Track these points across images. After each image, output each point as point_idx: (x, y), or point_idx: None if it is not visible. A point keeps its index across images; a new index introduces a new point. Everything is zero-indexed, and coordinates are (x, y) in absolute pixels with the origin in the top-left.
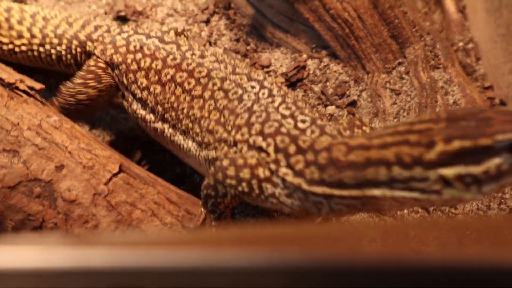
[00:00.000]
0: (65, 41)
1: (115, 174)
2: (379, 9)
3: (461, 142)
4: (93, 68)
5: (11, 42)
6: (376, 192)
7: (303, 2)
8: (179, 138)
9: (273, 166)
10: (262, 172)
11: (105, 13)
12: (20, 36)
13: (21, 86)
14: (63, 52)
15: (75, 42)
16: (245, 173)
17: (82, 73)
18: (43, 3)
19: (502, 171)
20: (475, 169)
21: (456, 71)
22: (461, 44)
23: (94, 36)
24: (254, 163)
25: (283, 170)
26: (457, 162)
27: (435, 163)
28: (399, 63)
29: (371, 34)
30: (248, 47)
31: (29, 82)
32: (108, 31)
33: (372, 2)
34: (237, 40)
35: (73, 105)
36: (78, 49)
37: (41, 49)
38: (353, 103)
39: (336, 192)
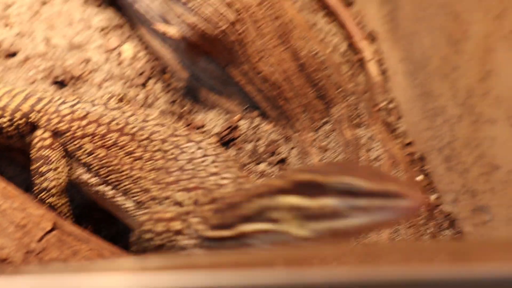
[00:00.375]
0: (8, 112)
1: (48, 232)
2: (305, 72)
3: (305, 175)
4: (38, 147)
5: None
6: (247, 227)
7: (234, 66)
8: (120, 198)
9: (185, 217)
10: (177, 225)
11: (43, 78)
12: None
13: None
14: (6, 124)
15: (18, 113)
16: (160, 227)
17: (33, 164)
18: None
19: (332, 213)
20: (307, 202)
21: (378, 128)
22: (383, 104)
23: (38, 107)
24: (170, 216)
25: (194, 220)
26: (295, 193)
27: (285, 191)
28: (325, 122)
29: (299, 95)
30: (183, 109)
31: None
32: (51, 101)
33: (298, 66)
34: (173, 102)
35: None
36: (22, 120)
37: None
38: (283, 161)
39: (219, 233)
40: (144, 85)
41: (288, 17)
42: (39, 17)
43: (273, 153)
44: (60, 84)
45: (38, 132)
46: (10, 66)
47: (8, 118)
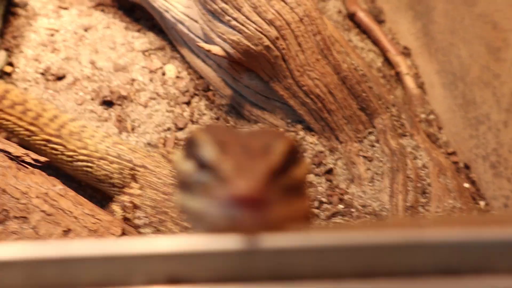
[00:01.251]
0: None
1: (119, 237)
2: (347, 84)
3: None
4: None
5: (74, 151)
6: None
7: (277, 81)
8: None
9: None
10: None
11: (92, 99)
12: (84, 148)
13: (27, 159)
14: (112, 172)
15: (128, 165)
16: None
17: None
18: (32, 92)
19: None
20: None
21: (421, 138)
22: (423, 116)
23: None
24: None
25: None
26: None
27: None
28: (370, 133)
29: (342, 107)
30: (228, 125)
31: (34, 155)
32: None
33: (340, 79)
34: (217, 119)
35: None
36: (130, 172)
37: (99, 163)
38: (330, 171)
39: None
40: (188, 103)
41: (328, 32)
42: (84, 42)
43: (319, 164)
44: (108, 103)
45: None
46: (60, 89)
47: (115, 167)
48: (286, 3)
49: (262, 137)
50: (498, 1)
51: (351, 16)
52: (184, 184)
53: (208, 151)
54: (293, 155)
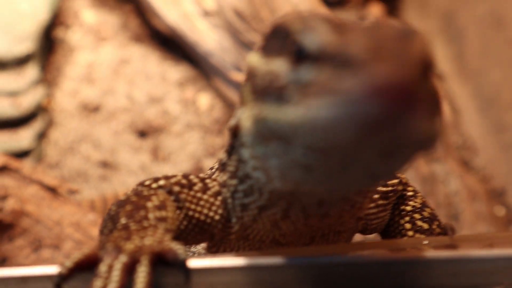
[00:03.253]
0: None
1: None
2: None
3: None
4: None
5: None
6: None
7: None
8: None
9: None
10: None
11: (127, 130)
12: None
13: (61, 189)
14: None
15: None
16: None
17: None
18: (69, 124)
19: (278, 90)
20: (261, 63)
21: (455, 163)
22: (458, 141)
23: None
24: None
25: None
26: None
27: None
28: None
29: None
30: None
31: (68, 186)
32: None
33: None
34: None
35: None
36: None
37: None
38: None
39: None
40: (221, 132)
41: None
42: (120, 74)
43: None
44: (143, 134)
45: None
46: (96, 120)
47: None
48: None
49: (390, 24)
50: None
51: None
52: (267, 92)
53: (321, 33)
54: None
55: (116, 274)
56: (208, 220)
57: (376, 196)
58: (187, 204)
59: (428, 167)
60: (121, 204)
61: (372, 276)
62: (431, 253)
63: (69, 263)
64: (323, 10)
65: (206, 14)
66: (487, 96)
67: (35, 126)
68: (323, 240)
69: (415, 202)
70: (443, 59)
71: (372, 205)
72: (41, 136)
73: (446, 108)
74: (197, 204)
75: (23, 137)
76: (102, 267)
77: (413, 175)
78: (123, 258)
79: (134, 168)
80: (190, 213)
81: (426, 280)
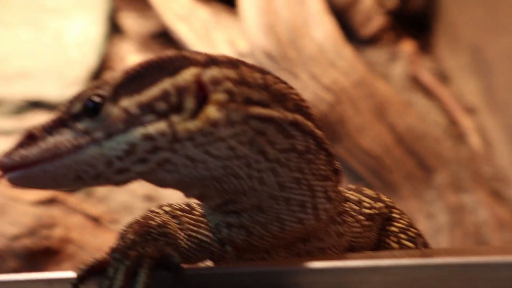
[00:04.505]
0: None
1: None
2: (405, 143)
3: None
4: None
5: None
6: None
7: (336, 143)
8: None
9: None
10: None
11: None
12: None
13: (103, 219)
14: None
15: None
16: None
17: None
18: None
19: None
20: None
21: (485, 193)
22: (487, 171)
23: None
24: None
25: None
26: None
27: None
28: (428, 189)
29: (400, 165)
30: None
31: (109, 216)
32: None
33: (398, 138)
34: None
35: None
36: None
37: None
38: None
39: None
40: None
41: (382, 96)
42: None
43: None
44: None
45: None
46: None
47: None
48: (341, 70)
49: None
50: None
51: (416, 78)
52: None
53: None
54: None
55: (120, 276)
56: (207, 239)
57: (361, 217)
58: (187, 226)
59: (456, 197)
60: (130, 224)
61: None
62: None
63: (85, 267)
64: (349, 49)
65: (240, 55)
66: None
67: None
68: (309, 256)
69: (401, 223)
70: (473, 93)
71: (357, 225)
72: None
73: (477, 140)
74: (196, 226)
75: None
76: (110, 270)
77: (441, 206)
78: (127, 262)
79: (175, 201)
80: (190, 233)
81: None
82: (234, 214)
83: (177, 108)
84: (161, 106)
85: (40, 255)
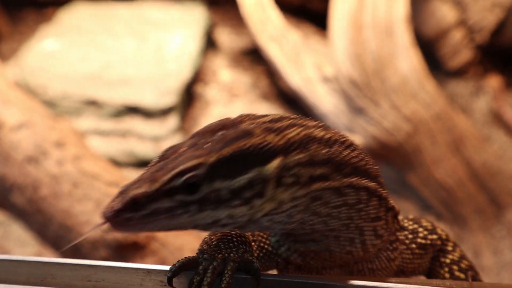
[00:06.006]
0: None
1: None
2: (479, 178)
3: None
4: None
5: None
6: None
7: (410, 172)
8: None
9: None
10: None
11: None
12: None
13: None
14: None
15: None
16: None
17: None
18: None
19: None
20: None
21: None
22: None
23: None
24: None
25: None
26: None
27: None
28: (498, 225)
29: (471, 200)
30: None
31: None
32: None
33: (472, 173)
34: None
35: None
36: None
37: None
38: None
39: None
40: None
41: (460, 130)
42: None
43: None
44: None
45: None
46: None
47: None
48: (422, 102)
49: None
50: None
51: (498, 114)
52: None
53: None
54: None
55: (209, 274)
56: (273, 250)
57: (413, 245)
58: (259, 238)
59: None
60: (214, 232)
61: None
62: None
63: (178, 263)
64: (432, 82)
65: (325, 80)
66: None
67: None
68: (360, 274)
69: (453, 256)
70: None
71: (408, 252)
72: None
73: None
74: (265, 238)
75: None
76: (201, 268)
77: (509, 242)
78: (214, 263)
79: None
80: (261, 244)
81: None
82: (290, 241)
83: (260, 194)
84: (248, 194)
85: (128, 248)
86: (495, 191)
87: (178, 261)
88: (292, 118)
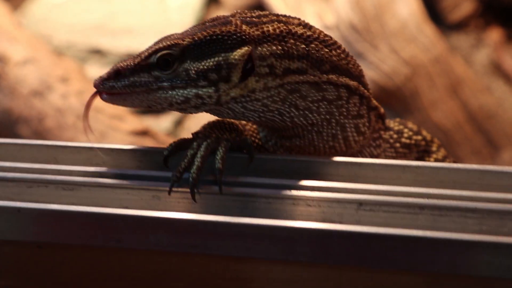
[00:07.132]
0: None
1: None
2: (476, 122)
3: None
4: None
5: None
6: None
7: (408, 115)
8: None
9: None
10: None
11: None
12: None
13: None
14: None
15: None
16: None
17: None
18: None
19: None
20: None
21: None
22: None
23: None
24: None
25: None
26: None
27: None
28: (494, 165)
29: (468, 141)
30: None
31: None
32: None
33: (470, 115)
34: None
35: None
36: None
37: None
38: None
39: None
40: None
41: (458, 74)
42: None
43: None
44: None
45: None
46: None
47: None
48: (421, 46)
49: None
50: None
51: (499, 65)
52: None
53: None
54: None
55: (203, 149)
56: (263, 145)
57: (397, 144)
58: (250, 132)
59: None
60: (208, 122)
61: None
62: None
63: (174, 143)
64: (431, 27)
65: (326, 28)
66: None
67: (175, 114)
68: None
69: (437, 155)
70: None
71: (391, 149)
72: (178, 123)
73: None
74: (255, 133)
75: (164, 122)
76: (194, 144)
77: None
78: (208, 140)
79: None
80: (251, 137)
81: None
82: (276, 136)
83: (226, 79)
84: (213, 76)
85: None
86: (492, 133)
87: (174, 141)
88: (278, 15)
